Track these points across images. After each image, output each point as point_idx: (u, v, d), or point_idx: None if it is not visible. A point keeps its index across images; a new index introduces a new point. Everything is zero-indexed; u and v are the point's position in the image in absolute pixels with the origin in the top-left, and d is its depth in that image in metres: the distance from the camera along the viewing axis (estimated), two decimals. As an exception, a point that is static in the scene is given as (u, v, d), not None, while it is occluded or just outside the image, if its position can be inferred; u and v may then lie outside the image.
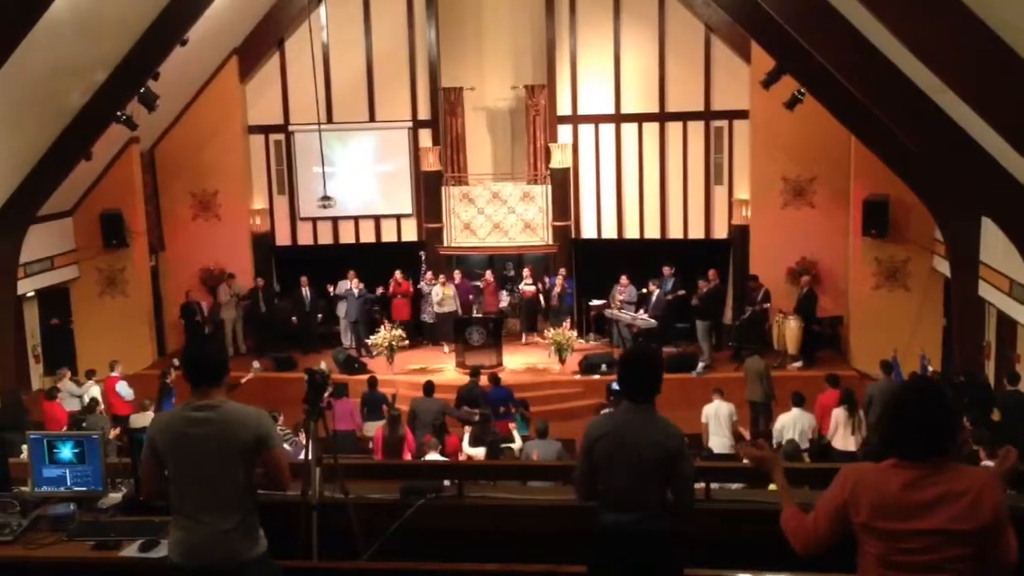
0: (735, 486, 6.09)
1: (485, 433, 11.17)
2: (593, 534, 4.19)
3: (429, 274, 17.51)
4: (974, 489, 3.01)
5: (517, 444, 11.18)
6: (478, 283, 17.92)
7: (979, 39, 7.48)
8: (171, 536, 4.15)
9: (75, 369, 15.65)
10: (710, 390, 12.80)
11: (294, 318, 17.56)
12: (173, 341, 18.08)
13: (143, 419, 11.77)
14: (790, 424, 11.22)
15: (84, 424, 11.34)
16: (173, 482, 4.06)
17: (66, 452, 5.23)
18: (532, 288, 17.56)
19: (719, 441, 11.77)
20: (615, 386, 13.49)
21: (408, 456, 11.10)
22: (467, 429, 11.72)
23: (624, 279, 16.85)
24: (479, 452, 10.68)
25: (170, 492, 4.08)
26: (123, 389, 13.68)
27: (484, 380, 13.49)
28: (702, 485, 5.18)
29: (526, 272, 17.76)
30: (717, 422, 11.95)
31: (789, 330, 15.71)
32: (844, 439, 11.22)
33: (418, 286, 17.60)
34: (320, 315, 17.75)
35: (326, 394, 11.38)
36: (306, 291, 17.66)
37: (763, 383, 13.38)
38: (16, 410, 12.37)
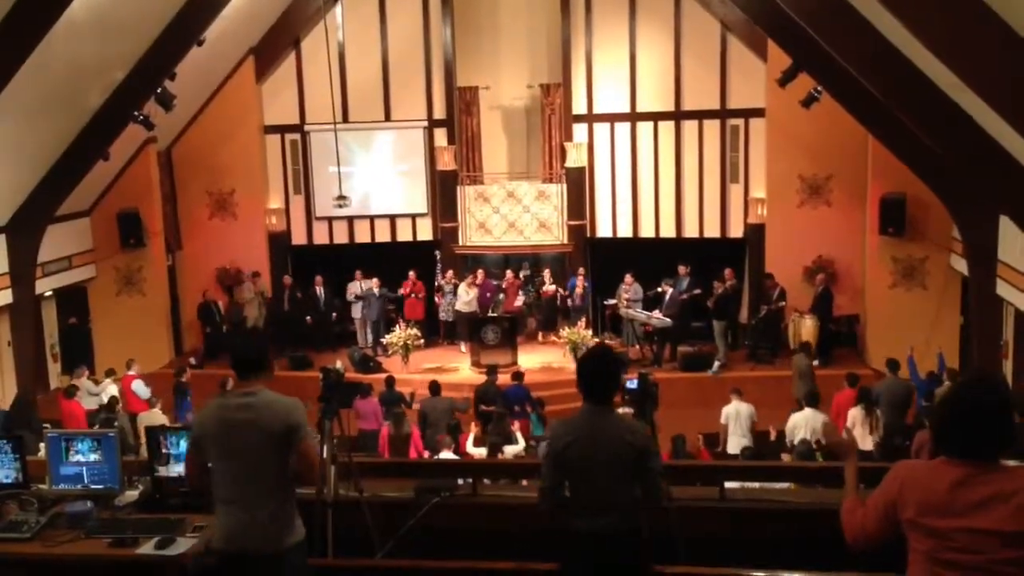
0: (751, 486, 6.08)
1: (496, 433, 11.18)
2: (563, 540, 4.17)
3: (450, 273, 17.50)
4: (1023, 490, 2.98)
5: (517, 448, 11.11)
6: (499, 282, 17.94)
7: (997, 35, 7.43)
8: (216, 522, 4.26)
9: (93, 368, 15.75)
10: (725, 389, 12.76)
11: (308, 317, 17.60)
12: (190, 340, 18.17)
13: (152, 418, 11.82)
14: (802, 423, 11.17)
15: (116, 423, 11.44)
16: (215, 469, 4.17)
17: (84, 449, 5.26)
18: (553, 288, 17.54)
19: (738, 442, 11.72)
20: (631, 384, 13.45)
21: (415, 455, 11.14)
22: (473, 428, 11.75)
23: (629, 277, 16.79)
24: (483, 452, 10.70)
25: (212, 479, 4.20)
26: (139, 388, 13.75)
27: (506, 377, 13.51)
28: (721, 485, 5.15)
29: (546, 274, 17.74)
30: (737, 423, 11.91)
31: (805, 329, 15.64)
32: (861, 438, 11.16)
33: (437, 284, 17.58)
34: (335, 314, 17.79)
35: (356, 397, 11.52)
36: (321, 290, 17.72)
37: (805, 380, 13.34)
38: (26, 410, 12.45)
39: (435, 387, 12.71)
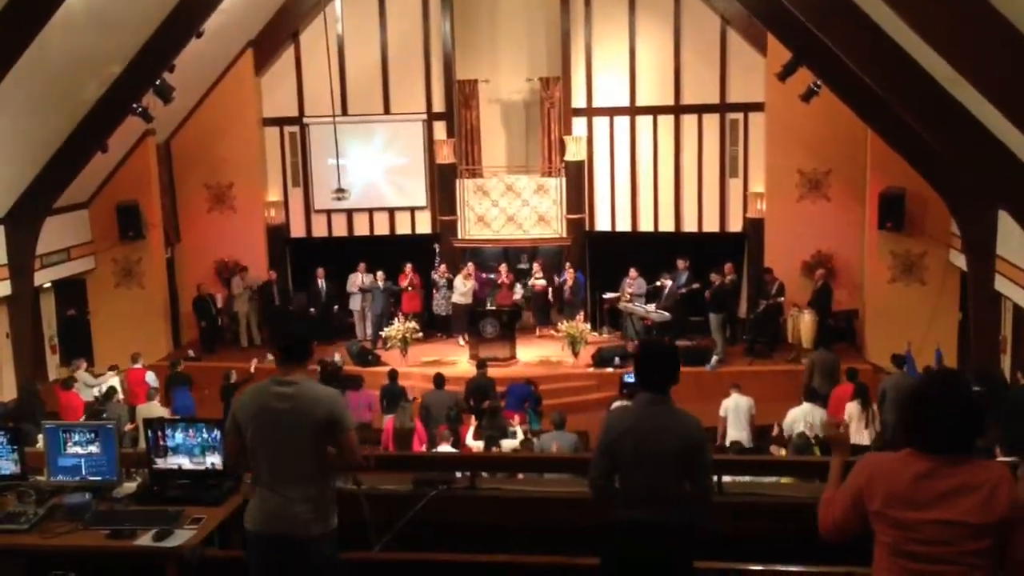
0: (747, 479, 6.09)
1: (491, 427, 11.20)
2: (611, 529, 4.16)
3: (443, 267, 17.50)
4: (990, 483, 3.00)
5: (513, 442, 11.13)
6: (492, 275, 17.92)
7: (997, 31, 7.42)
8: (250, 504, 4.32)
9: (92, 360, 15.76)
10: (723, 384, 12.78)
11: (312, 309, 17.59)
12: (188, 333, 18.17)
13: (149, 409, 11.83)
14: (800, 417, 11.20)
15: (105, 414, 11.43)
16: (253, 453, 4.24)
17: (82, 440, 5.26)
18: (543, 282, 17.54)
19: (738, 435, 11.77)
20: (628, 378, 13.49)
21: (419, 448, 11.16)
22: (473, 421, 11.77)
23: (633, 272, 16.82)
24: (479, 445, 10.73)
25: (251, 462, 4.29)
26: (151, 379, 13.80)
27: (507, 371, 13.57)
28: (714, 478, 5.16)
29: (536, 267, 17.73)
30: (737, 416, 11.95)
31: (804, 324, 15.65)
32: (857, 433, 11.18)
33: (432, 278, 17.58)
34: (336, 307, 17.78)
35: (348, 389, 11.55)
36: (322, 283, 17.72)
37: (830, 378, 13.29)
38: (32, 401, 12.46)
39: (439, 380, 12.72)
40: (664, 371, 4.20)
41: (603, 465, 4.19)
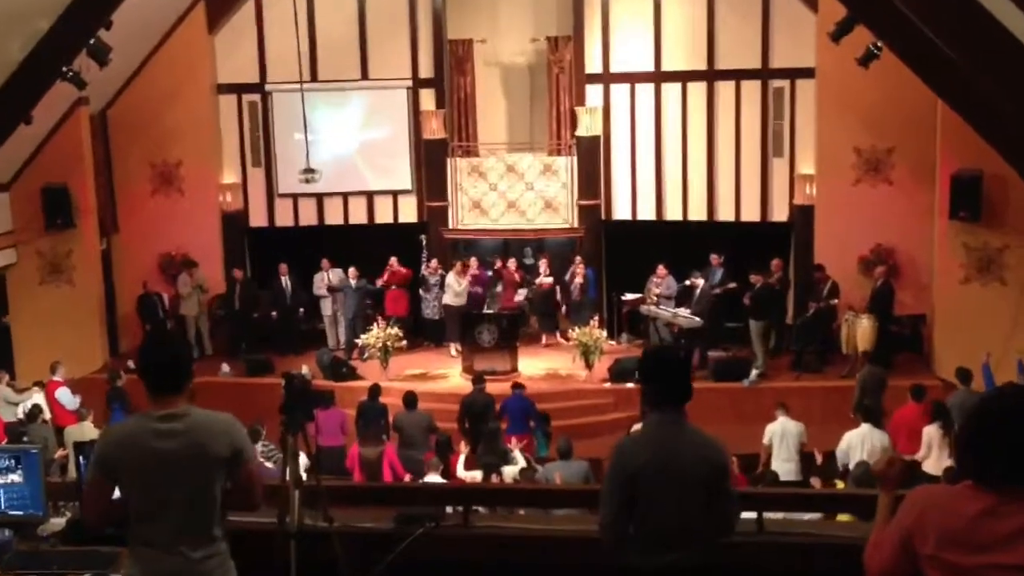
0: (804, 517, 6.09)
1: (488, 453, 11.19)
2: None
3: (435, 262, 17.49)
4: None
5: (513, 469, 11.12)
6: (490, 272, 17.95)
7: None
8: (129, 570, 4.18)
9: (12, 372, 15.72)
10: (764, 402, 12.78)
11: (274, 313, 17.62)
12: (128, 339, 18.15)
13: (82, 431, 11.81)
14: (857, 443, 11.17)
15: (25, 437, 11.42)
16: (134, 506, 4.08)
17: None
18: (550, 280, 17.56)
19: (784, 466, 11.74)
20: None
21: (390, 476, 11.19)
22: (463, 447, 11.78)
23: (661, 269, 16.82)
24: (476, 476, 10.71)
25: (129, 518, 4.10)
26: (64, 396, 13.71)
27: (504, 387, 13.56)
28: (754, 515, 5.16)
29: (542, 263, 17.75)
30: (783, 444, 11.92)
31: (861, 331, 15.63)
32: (939, 462, 11.16)
33: (420, 276, 17.58)
34: (302, 310, 17.77)
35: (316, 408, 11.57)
36: (286, 281, 17.70)
37: (871, 393, 13.30)
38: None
39: (410, 399, 12.78)
40: (680, 383, 4.21)
41: (617, 504, 4.15)
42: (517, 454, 11.58)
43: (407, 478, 11.30)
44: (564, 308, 17.63)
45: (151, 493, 4.04)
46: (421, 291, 17.64)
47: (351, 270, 17.27)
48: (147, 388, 4.15)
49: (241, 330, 17.61)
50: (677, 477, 4.06)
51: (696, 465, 4.09)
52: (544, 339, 17.83)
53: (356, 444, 11.86)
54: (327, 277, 17.51)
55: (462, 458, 11.40)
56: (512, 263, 17.83)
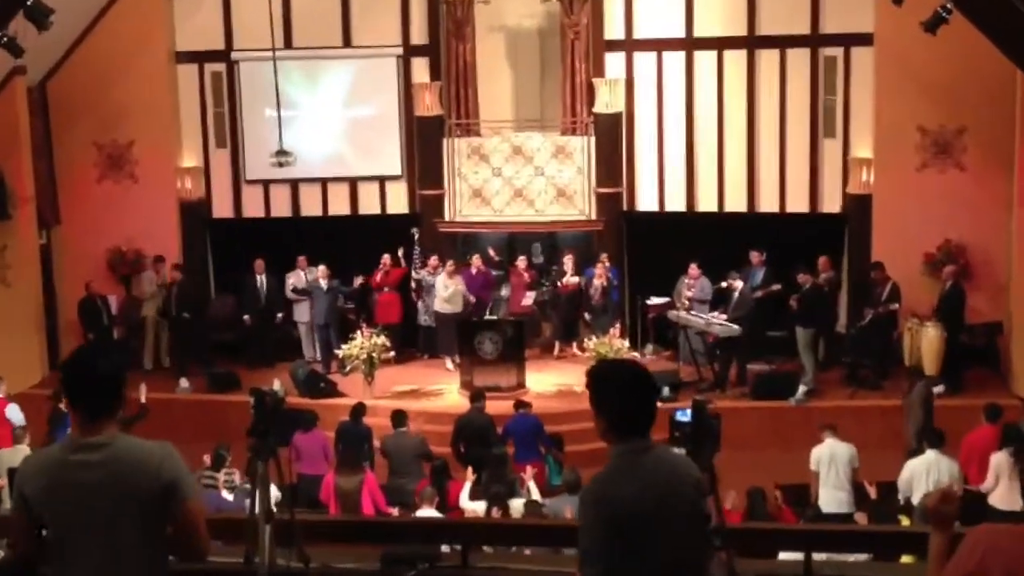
0: (853, 557, 6.10)
1: (494, 482, 11.19)
2: None
3: (434, 259, 17.47)
4: None
5: (536, 497, 11.13)
6: (496, 272, 17.94)
7: None
8: None
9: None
10: (814, 424, 12.74)
11: (246, 317, 17.65)
12: (69, 348, 18.12)
13: (16, 455, 11.83)
14: (922, 472, 11.15)
15: None
16: (53, 546, 4.06)
17: None
18: (576, 281, 17.56)
19: (834, 496, 11.73)
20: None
21: (371, 509, 11.21)
22: (469, 475, 11.79)
23: (694, 269, 16.82)
24: (480, 508, 10.72)
25: (50, 559, 4.08)
26: (14, 414, 13.76)
27: (505, 405, 13.58)
28: (800, 556, 5.17)
29: (567, 260, 17.75)
30: (833, 470, 11.90)
31: (927, 341, 15.62)
32: (1009, 494, 11.14)
33: (418, 276, 17.56)
34: (280, 315, 17.72)
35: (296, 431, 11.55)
36: (262, 280, 17.63)
37: (917, 413, 13.29)
38: None
39: (399, 418, 12.77)
40: (643, 402, 4.19)
41: (602, 556, 4.05)
42: (532, 486, 11.58)
43: (391, 512, 11.32)
44: (587, 315, 17.56)
45: (68, 533, 4.01)
46: (415, 295, 17.64)
47: (320, 268, 17.27)
48: (72, 410, 4.13)
49: (186, 341, 17.53)
50: (665, 509, 4.06)
51: (685, 489, 4.12)
52: (557, 350, 17.84)
53: (331, 473, 11.87)
54: (305, 277, 17.50)
55: (467, 486, 11.40)
56: (522, 261, 17.83)
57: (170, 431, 10.74)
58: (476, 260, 17.58)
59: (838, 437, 12.16)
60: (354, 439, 13.08)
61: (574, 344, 17.56)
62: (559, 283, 17.74)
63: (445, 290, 16.97)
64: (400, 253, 17.63)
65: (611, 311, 17.27)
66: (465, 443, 13.08)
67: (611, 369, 4.32)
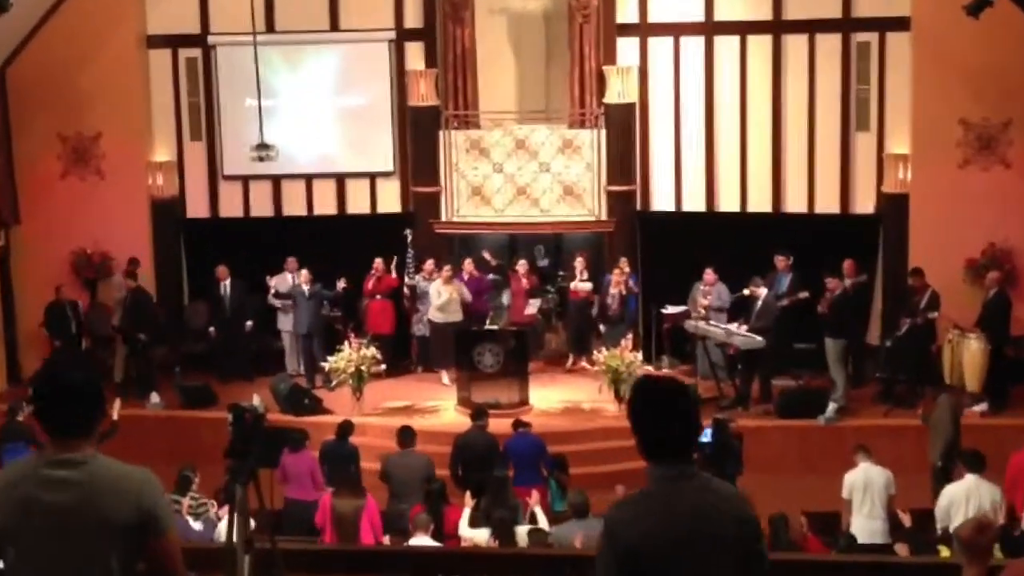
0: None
1: (496, 506, 11.17)
2: None
3: (430, 263, 17.46)
4: None
5: (544, 524, 11.16)
6: (496, 276, 17.91)
7: None
8: None
9: None
10: (846, 446, 12.72)
11: (212, 329, 17.66)
12: (32, 358, 18.10)
13: None
14: (962, 499, 11.13)
15: None
16: (13, 572, 4.04)
17: None
18: (588, 287, 17.55)
19: (868, 525, 11.70)
20: (703, 438, 13.47)
21: (370, 538, 11.17)
22: (467, 500, 11.76)
23: (710, 274, 16.81)
24: (481, 536, 10.70)
25: None
26: None
27: (503, 424, 13.55)
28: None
29: (578, 263, 17.75)
30: (867, 498, 11.87)
31: (969, 354, 15.61)
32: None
33: (410, 282, 17.56)
34: (250, 322, 17.69)
35: (284, 451, 11.51)
36: (225, 286, 17.64)
37: (943, 431, 13.29)
38: None
39: (407, 435, 12.68)
40: (684, 423, 4.14)
41: None
42: (537, 511, 11.56)
43: (385, 541, 11.29)
44: (601, 325, 17.50)
45: (32, 556, 4.00)
46: (408, 302, 17.63)
47: (303, 273, 17.28)
48: (43, 427, 4.09)
49: (142, 359, 17.51)
50: (697, 547, 3.98)
51: (726, 525, 4.04)
52: (571, 362, 17.88)
53: (328, 495, 11.83)
54: (290, 281, 17.44)
55: (466, 513, 11.38)
56: (522, 265, 17.81)
57: (139, 451, 10.76)
58: (467, 264, 17.53)
59: (873, 460, 12.14)
60: (338, 460, 13.06)
61: (584, 358, 17.56)
62: (570, 288, 17.72)
63: (439, 297, 16.94)
64: (394, 263, 17.64)
65: (628, 322, 17.26)
66: (464, 465, 13.05)
67: (647, 384, 4.24)
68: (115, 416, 13.45)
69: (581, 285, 17.58)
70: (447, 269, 17.13)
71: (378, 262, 17.45)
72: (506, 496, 11.63)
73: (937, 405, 13.81)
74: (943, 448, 13.18)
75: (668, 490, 4.03)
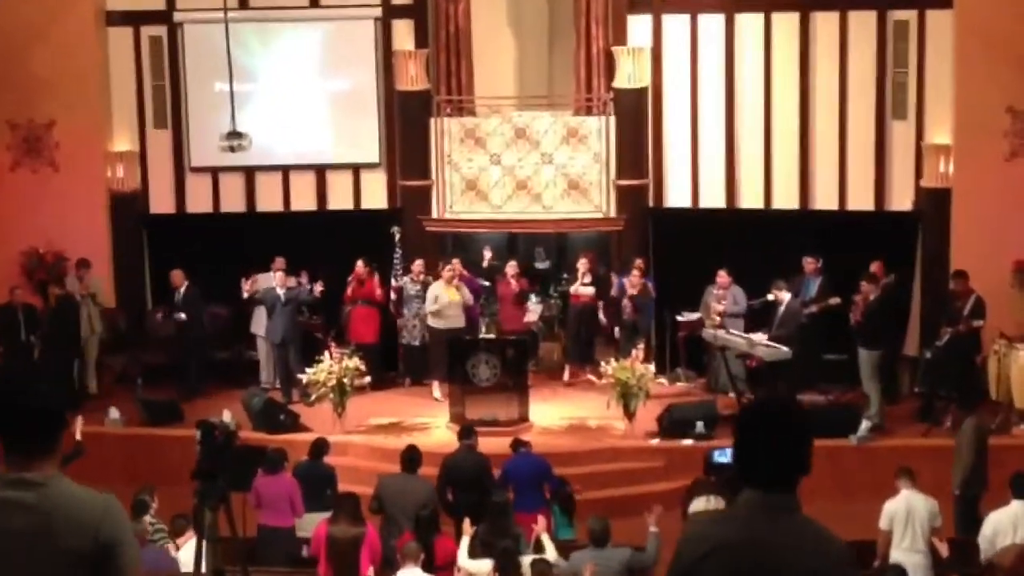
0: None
1: (497, 535, 11.17)
2: None
3: (419, 264, 17.44)
4: None
5: (552, 554, 11.17)
6: (485, 281, 17.91)
7: None
8: None
9: None
10: (880, 468, 12.72)
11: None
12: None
13: None
14: (1007, 527, 11.12)
15: None
16: None
17: None
18: (591, 291, 17.57)
19: (909, 559, 11.66)
20: (720, 457, 13.48)
21: (368, 569, 11.14)
22: (467, 528, 11.75)
23: (723, 276, 16.80)
24: (483, 568, 10.70)
25: None
26: None
27: (500, 443, 13.54)
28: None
29: (582, 264, 17.73)
30: (908, 528, 11.84)
31: (1017, 367, 15.61)
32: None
33: (399, 284, 17.55)
34: (195, 327, 17.60)
35: (257, 472, 11.50)
36: (179, 295, 17.44)
37: (966, 454, 13.31)
38: None
39: (411, 457, 12.55)
40: (788, 450, 4.11)
41: None
42: (544, 539, 11.53)
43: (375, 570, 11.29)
44: (616, 332, 17.47)
45: None
46: (394, 307, 17.65)
47: (278, 275, 17.23)
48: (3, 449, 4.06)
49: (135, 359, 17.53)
50: None
51: (804, 567, 4.00)
52: (567, 374, 17.85)
53: (324, 522, 11.78)
54: (278, 280, 17.36)
55: (465, 541, 11.37)
56: (511, 267, 17.79)
57: (98, 471, 10.78)
58: (456, 265, 17.48)
59: (916, 487, 12.08)
60: (314, 483, 13.00)
61: (588, 369, 17.57)
62: (571, 292, 17.70)
63: (434, 301, 16.91)
64: (372, 268, 17.63)
65: (643, 330, 17.23)
66: (455, 489, 13.02)
67: (761, 406, 4.21)
68: (79, 436, 13.44)
69: (583, 289, 17.56)
70: (447, 268, 17.03)
71: (359, 265, 17.39)
72: (507, 523, 11.60)
73: (961, 428, 13.80)
74: (964, 473, 13.24)
75: (758, 519, 3.99)
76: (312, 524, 12.11)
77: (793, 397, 14.27)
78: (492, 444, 13.95)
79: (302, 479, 13.05)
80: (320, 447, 13.46)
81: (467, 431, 13.73)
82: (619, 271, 17.55)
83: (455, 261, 17.47)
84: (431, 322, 17.04)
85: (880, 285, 16.22)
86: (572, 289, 17.76)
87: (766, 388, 16.25)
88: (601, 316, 17.63)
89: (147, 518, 11.36)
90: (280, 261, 17.48)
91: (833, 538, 4.03)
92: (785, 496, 3.99)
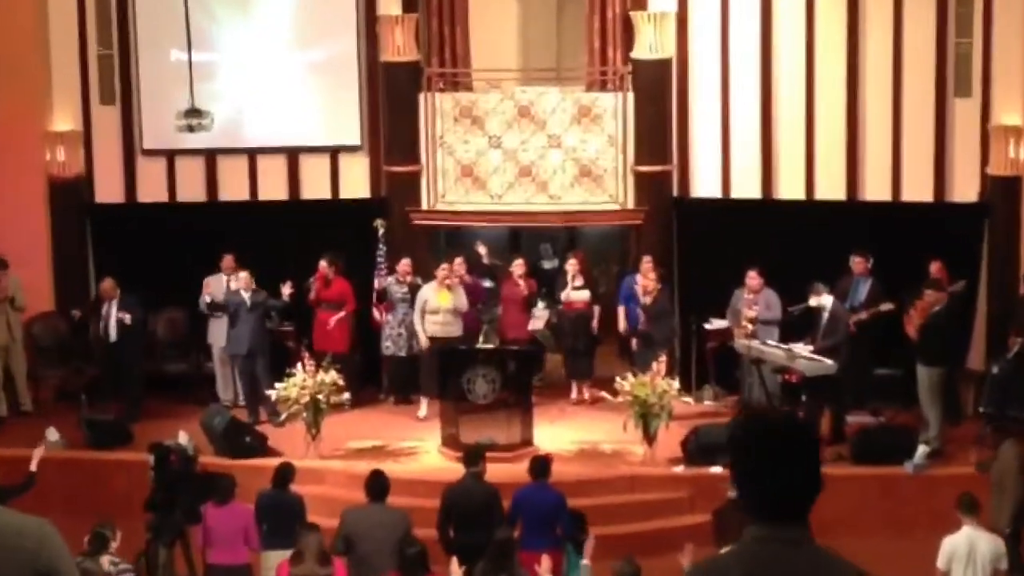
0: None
1: (500, 573, 11.19)
2: None
3: (406, 263, 17.46)
4: None
5: None
6: (489, 283, 17.94)
7: None
8: None
9: None
10: (940, 499, 12.73)
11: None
12: None
13: None
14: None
15: None
16: None
17: None
18: (585, 297, 17.61)
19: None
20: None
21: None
22: (454, 569, 11.76)
23: (754, 277, 16.78)
24: None
25: None
26: None
27: (512, 469, 13.60)
28: None
29: (571, 265, 17.74)
30: (970, 568, 11.87)
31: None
32: None
33: (383, 286, 17.61)
34: (125, 335, 17.61)
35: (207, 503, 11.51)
36: (109, 307, 17.18)
37: (1017, 488, 13.34)
38: None
39: (377, 485, 12.58)
40: (796, 476, 4.14)
41: None
42: None
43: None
44: (635, 342, 17.46)
45: None
46: (376, 312, 17.70)
47: (243, 276, 17.23)
48: None
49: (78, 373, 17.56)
50: None
51: None
52: (575, 393, 17.91)
53: (284, 562, 11.79)
54: (227, 286, 17.38)
55: None
56: (518, 266, 17.82)
57: (34, 501, 10.78)
58: (459, 266, 17.50)
59: (979, 524, 12.10)
60: (278, 515, 12.98)
61: (586, 385, 17.68)
62: (562, 298, 17.71)
63: (448, 301, 16.92)
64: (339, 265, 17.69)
65: (660, 339, 17.21)
66: (458, 524, 12.95)
67: (752, 424, 4.21)
68: (34, 467, 13.45)
69: (575, 294, 17.61)
70: (444, 268, 17.00)
71: (322, 263, 17.35)
72: (509, 564, 11.60)
73: (999, 455, 13.79)
74: (1013, 509, 13.21)
75: (764, 555, 4.02)
76: (275, 562, 12.14)
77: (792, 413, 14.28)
78: (490, 471, 13.88)
79: (265, 511, 13.02)
80: (284, 474, 13.38)
81: (474, 456, 13.47)
82: (628, 274, 17.57)
83: (458, 260, 17.41)
84: (431, 329, 16.94)
85: (947, 293, 16.21)
86: (563, 295, 17.72)
87: (808, 408, 16.29)
88: (594, 324, 17.70)
89: (106, 557, 11.39)
90: (229, 260, 17.53)
91: (852, 570, 4.05)
92: (795, 526, 4.02)
